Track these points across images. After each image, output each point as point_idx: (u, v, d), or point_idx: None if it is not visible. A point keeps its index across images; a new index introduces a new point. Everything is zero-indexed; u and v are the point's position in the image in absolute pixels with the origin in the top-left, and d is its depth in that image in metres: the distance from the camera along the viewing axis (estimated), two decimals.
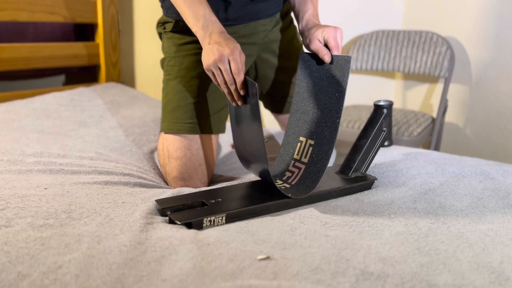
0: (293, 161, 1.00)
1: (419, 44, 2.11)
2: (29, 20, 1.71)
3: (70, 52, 1.84)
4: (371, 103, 2.21)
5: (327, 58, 0.99)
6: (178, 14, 1.17)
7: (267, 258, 0.67)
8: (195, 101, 1.14)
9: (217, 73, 0.93)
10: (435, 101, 2.24)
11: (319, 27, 1.04)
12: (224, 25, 1.17)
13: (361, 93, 2.37)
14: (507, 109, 1.96)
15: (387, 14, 2.34)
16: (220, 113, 1.18)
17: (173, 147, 1.13)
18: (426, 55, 2.08)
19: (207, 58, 0.94)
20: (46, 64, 1.78)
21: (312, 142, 0.98)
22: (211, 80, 1.16)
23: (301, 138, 1.01)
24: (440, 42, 2.05)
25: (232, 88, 0.92)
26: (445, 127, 2.19)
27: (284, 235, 0.75)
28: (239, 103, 0.93)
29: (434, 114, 2.11)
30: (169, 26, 1.22)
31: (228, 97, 0.94)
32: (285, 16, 1.29)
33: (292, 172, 0.98)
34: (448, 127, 2.20)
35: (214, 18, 1.00)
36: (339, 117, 0.94)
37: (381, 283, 0.62)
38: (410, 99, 2.38)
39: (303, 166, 0.97)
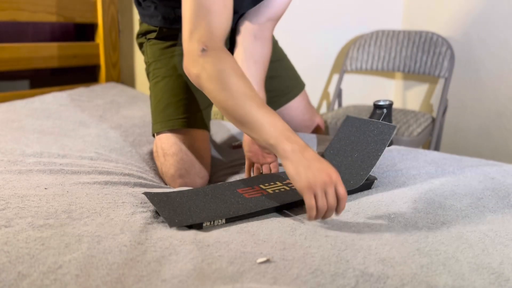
0: None
1: (419, 44, 2.11)
2: (29, 20, 1.71)
3: (70, 52, 1.85)
4: (371, 103, 2.21)
5: None
6: (161, 21, 1.20)
7: (267, 261, 0.67)
8: (185, 97, 1.16)
9: (321, 194, 0.77)
10: (435, 101, 2.24)
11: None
12: None
13: (361, 93, 2.37)
14: (507, 109, 1.96)
15: (387, 14, 2.34)
16: (208, 109, 1.20)
17: (168, 144, 1.13)
18: (426, 55, 2.08)
19: (312, 176, 0.77)
20: (46, 64, 1.79)
21: None
22: None
23: None
24: (440, 42, 2.05)
25: (330, 214, 0.79)
26: (445, 127, 2.19)
27: (284, 235, 0.75)
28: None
29: (434, 114, 2.11)
30: (152, 35, 1.24)
31: (311, 219, 0.79)
32: None
33: None
34: (448, 127, 2.20)
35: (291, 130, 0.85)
36: (367, 173, 0.96)
37: (381, 285, 0.62)
38: (410, 99, 2.38)
39: None
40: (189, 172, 1.11)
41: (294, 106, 1.42)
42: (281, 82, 1.37)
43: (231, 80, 0.86)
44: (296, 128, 1.43)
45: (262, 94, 1.13)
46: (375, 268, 0.65)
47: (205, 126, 1.18)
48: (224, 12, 0.92)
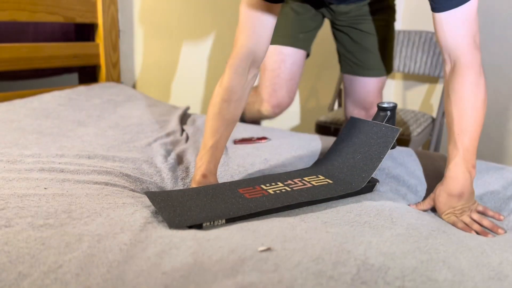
0: (300, 179, 1.01)
1: (419, 44, 2.11)
2: (29, 20, 1.71)
3: (70, 52, 1.84)
4: None
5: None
6: None
7: (268, 249, 0.67)
8: (291, 21, 1.41)
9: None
10: (435, 101, 2.24)
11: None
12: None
13: None
14: (507, 109, 1.96)
15: None
16: (308, 34, 1.44)
17: (270, 60, 1.40)
18: (426, 55, 2.08)
19: None
20: (46, 64, 1.79)
21: (330, 181, 1.00)
22: (300, 11, 1.42)
23: (320, 176, 1.03)
24: None
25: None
26: (445, 127, 2.19)
27: (285, 230, 0.75)
28: None
29: (434, 114, 2.11)
30: None
31: None
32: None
33: (296, 184, 0.98)
34: None
35: (213, 157, 1.03)
36: (369, 175, 0.96)
37: (382, 275, 0.61)
38: (410, 99, 2.38)
39: (310, 185, 0.97)
40: (282, 87, 1.39)
41: (368, 84, 1.48)
42: (369, 56, 1.46)
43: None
44: (355, 104, 1.52)
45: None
46: (376, 259, 0.65)
47: (306, 48, 1.45)
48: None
